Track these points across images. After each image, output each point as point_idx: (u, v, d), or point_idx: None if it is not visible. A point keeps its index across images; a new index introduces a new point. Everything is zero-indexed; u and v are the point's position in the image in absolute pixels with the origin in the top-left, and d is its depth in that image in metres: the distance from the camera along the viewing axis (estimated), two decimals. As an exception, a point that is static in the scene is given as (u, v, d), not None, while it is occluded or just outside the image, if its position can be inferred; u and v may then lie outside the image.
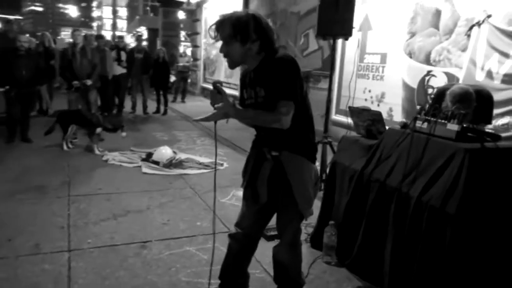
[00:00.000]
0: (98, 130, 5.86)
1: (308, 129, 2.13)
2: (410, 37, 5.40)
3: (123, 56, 8.99)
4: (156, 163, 5.29)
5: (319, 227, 3.15)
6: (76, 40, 6.70)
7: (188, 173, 5.05)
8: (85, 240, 3.15)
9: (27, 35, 9.68)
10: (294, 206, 2.11)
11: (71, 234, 3.24)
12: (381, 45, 5.94)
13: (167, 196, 4.22)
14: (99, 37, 8.69)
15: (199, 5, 13.86)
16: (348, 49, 6.67)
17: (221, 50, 2.00)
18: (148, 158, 5.48)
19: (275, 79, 1.94)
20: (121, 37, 10.13)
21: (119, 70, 8.92)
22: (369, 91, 6.23)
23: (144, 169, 5.12)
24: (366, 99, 6.28)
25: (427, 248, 2.21)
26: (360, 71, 6.42)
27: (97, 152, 5.77)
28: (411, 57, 5.42)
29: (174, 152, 5.75)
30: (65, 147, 5.91)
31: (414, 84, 5.39)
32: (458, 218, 2.06)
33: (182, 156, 5.62)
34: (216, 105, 1.94)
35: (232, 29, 1.92)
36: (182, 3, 17.45)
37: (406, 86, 5.52)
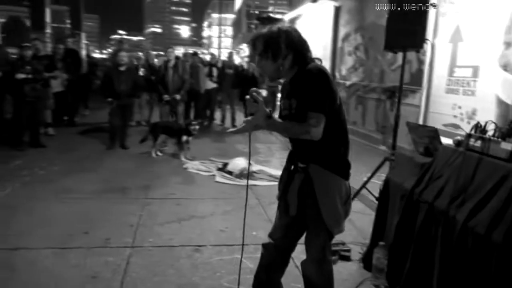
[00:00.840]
0: (184, 138, 6.33)
1: (340, 143, 2.08)
2: (506, 48, 4.88)
3: (215, 71, 9.59)
4: (230, 173, 5.53)
5: (371, 247, 3.01)
6: (169, 56, 7.35)
7: (257, 184, 5.17)
8: (148, 239, 3.44)
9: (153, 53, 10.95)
10: (321, 220, 2.07)
11: (137, 233, 3.56)
12: (473, 58, 5.45)
13: (232, 205, 4.39)
14: (194, 54, 9.41)
15: (292, 21, 14.13)
16: (437, 63, 6.26)
17: (257, 65, 2.10)
18: (223, 168, 5.75)
19: (304, 91, 1.95)
20: (213, 54, 10.81)
21: (211, 84, 9.52)
22: (459, 107, 5.74)
23: (218, 178, 5.39)
24: (455, 116, 5.79)
25: (473, 278, 1.99)
26: (449, 85, 5.95)
27: (183, 159, 6.23)
28: (506, 70, 4.89)
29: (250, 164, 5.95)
30: (153, 154, 6.49)
31: (510, 100, 4.84)
32: (505, 248, 1.82)
33: (255, 167, 5.78)
34: (244, 119, 2.02)
35: (264, 45, 2.00)
36: (280, 20, 17.97)
37: (501, 103, 4.98)
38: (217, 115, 10.20)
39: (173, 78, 7.11)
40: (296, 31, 2.07)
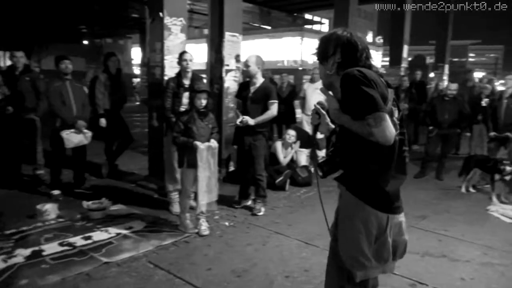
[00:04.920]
0: (497, 177, 5.46)
1: (375, 162, 1.71)
2: None
3: None
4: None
5: None
6: (508, 84, 6.41)
7: None
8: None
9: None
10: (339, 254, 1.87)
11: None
12: None
13: (509, 259, 3.57)
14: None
15: None
16: None
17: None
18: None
19: (345, 98, 1.73)
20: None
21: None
22: None
23: (518, 228, 4.38)
24: None
25: None
26: None
27: (494, 199, 5.39)
28: None
29: None
30: (463, 189, 5.95)
31: None
32: None
33: None
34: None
35: (317, 46, 1.90)
36: None
37: None
38: None
39: (507, 110, 6.16)
40: (351, 34, 1.82)
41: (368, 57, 1.81)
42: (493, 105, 6.36)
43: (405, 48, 10.54)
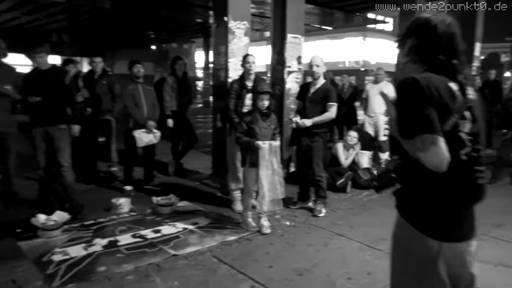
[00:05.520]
0: None
1: (430, 184, 1.48)
2: None
3: None
4: None
5: None
6: None
7: None
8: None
9: None
10: None
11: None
12: None
13: None
14: None
15: None
16: None
17: None
18: None
19: (398, 111, 1.50)
20: None
21: None
22: None
23: None
24: None
25: None
26: None
27: None
28: None
29: None
30: (543, 197, 5.50)
31: None
32: None
33: None
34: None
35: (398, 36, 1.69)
36: None
37: None
38: None
39: None
40: (434, 15, 1.55)
41: (452, 45, 1.54)
42: None
43: (477, 46, 9.92)
